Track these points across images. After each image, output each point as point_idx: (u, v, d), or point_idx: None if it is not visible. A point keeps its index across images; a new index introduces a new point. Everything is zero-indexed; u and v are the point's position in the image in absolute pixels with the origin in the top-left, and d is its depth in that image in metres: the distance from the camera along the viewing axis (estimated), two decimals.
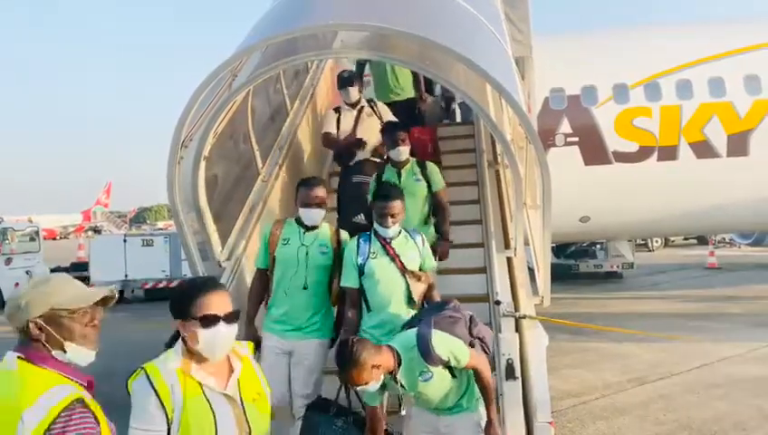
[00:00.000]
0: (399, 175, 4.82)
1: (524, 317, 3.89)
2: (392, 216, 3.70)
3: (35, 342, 1.90)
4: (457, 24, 4.21)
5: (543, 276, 4.42)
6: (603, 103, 10.89)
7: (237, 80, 4.42)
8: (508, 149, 4.12)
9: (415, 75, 6.53)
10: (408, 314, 3.60)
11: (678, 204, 11.06)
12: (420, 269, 3.75)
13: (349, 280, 3.72)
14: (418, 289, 3.71)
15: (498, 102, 4.89)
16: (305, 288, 3.80)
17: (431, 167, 4.90)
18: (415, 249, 3.77)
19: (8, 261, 16.78)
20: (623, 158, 10.87)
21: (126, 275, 16.53)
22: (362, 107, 5.83)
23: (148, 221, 76.36)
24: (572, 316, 11.39)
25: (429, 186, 4.78)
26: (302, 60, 5.10)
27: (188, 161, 4.28)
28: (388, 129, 5.11)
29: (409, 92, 6.59)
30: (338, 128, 5.82)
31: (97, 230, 45.81)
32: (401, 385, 2.93)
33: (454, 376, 3.05)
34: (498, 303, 4.02)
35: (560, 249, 16.72)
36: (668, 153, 10.84)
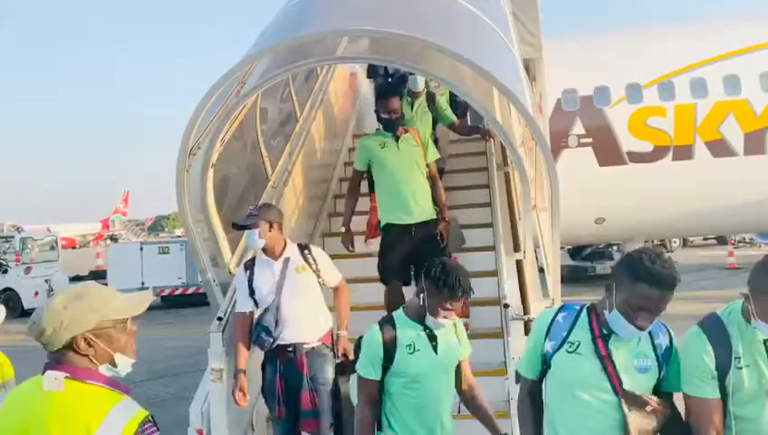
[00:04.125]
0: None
1: (532, 320, 3.86)
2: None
3: (81, 357, 1.82)
4: (463, 26, 4.19)
5: (553, 279, 4.39)
6: (616, 104, 10.82)
7: (246, 86, 4.44)
8: (515, 153, 4.10)
9: (433, 187, 5.01)
10: None
11: (695, 204, 10.93)
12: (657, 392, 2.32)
13: (526, 368, 2.50)
14: (645, 426, 2.23)
15: (507, 105, 4.87)
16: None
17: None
18: (651, 357, 2.31)
19: (28, 270, 17.05)
20: (638, 158, 10.78)
21: (142, 283, 16.70)
22: (288, 258, 3.94)
23: (165, 229, 76.97)
24: None
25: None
26: (305, 66, 5.03)
27: (196, 169, 4.31)
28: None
29: (429, 213, 4.88)
30: (252, 293, 3.94)
31: (114, 239, 46.27)
32: None
33: None
34: (507, 306, 4.01)
35: (576, 251, 16.62)
36: (684, 153, 10.74)
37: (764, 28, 11.01)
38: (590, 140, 10.87)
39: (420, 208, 4.83)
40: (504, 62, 4.04)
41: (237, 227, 4.02)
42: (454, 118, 6.11)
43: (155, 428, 1.78)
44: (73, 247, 49.32)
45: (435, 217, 4.89)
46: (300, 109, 6.70)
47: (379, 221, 5.00)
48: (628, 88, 10.80)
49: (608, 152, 10.82)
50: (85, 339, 1.81)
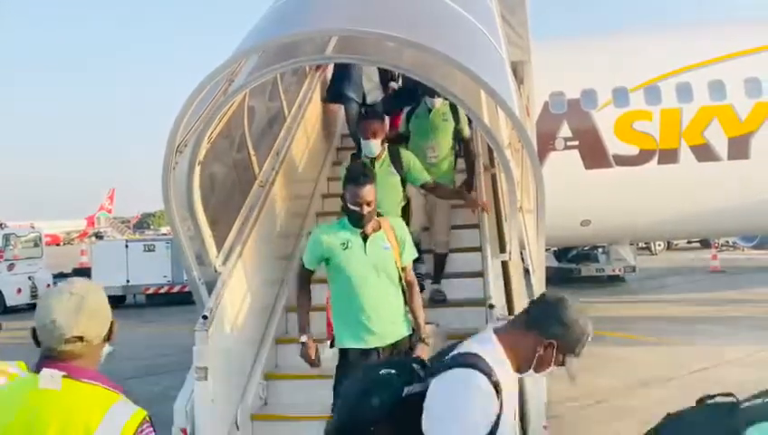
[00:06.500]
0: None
1: None
2: None
3: (94, 347, 1.85)
4: (451, 28, 4.21)
5: (538, 280, 4.42)
6: (603, 107, 10.90)
7: (233, 84, 4.42)
8: (502, 155, 4.12)
9: (409, 296, 3.84)
10: None
11: (680, 207, 11.05)
12: None
13: None
14: None
15: (494, 107, 4.88)
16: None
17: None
18: None
19: (11, 266, 16.87)
20: (624, 161, 10.88)
21: (128, 281, 16.62)
22: None
23: (151, 227, 76.48)
24: None
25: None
26: (293, 65, 4.98)
27: (183, 166, 4.28)
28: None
29: (400, 332, 3.77)
30: None
31: (99, 236, 45.89)
32: None
33: None
34: (492, 307, 4.03)
35: (561, 253, 16.72)
36: (669, 156, 10.84)
37: (749, 34, 11.15)
38: (576, 142, 10.94)
39: (388, 327, 3.69)
40: (492, 63, 4.06)
41: None
42: (427, 177, 4.97)
43: (152, 428, 1.79)
44: (58, 244, 48.92)
45: (408, 333, 3.78)
46: (288, 108, 6.68)
47: (333, 337, 3.85)
48: (614, 91, 10.89)
49: (594, 155, 10.91)
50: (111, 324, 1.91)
